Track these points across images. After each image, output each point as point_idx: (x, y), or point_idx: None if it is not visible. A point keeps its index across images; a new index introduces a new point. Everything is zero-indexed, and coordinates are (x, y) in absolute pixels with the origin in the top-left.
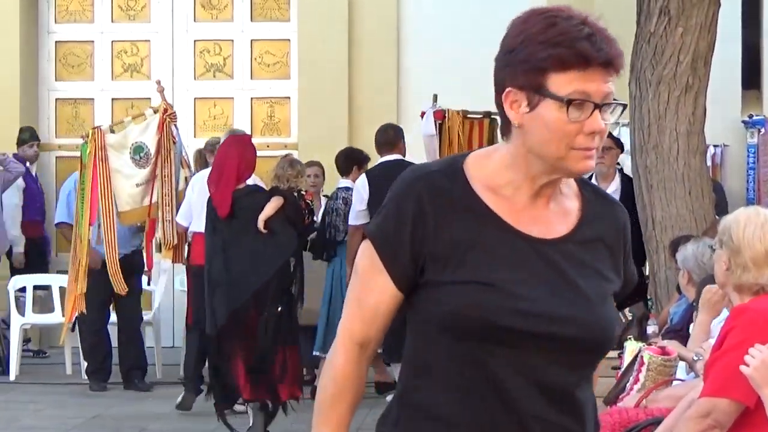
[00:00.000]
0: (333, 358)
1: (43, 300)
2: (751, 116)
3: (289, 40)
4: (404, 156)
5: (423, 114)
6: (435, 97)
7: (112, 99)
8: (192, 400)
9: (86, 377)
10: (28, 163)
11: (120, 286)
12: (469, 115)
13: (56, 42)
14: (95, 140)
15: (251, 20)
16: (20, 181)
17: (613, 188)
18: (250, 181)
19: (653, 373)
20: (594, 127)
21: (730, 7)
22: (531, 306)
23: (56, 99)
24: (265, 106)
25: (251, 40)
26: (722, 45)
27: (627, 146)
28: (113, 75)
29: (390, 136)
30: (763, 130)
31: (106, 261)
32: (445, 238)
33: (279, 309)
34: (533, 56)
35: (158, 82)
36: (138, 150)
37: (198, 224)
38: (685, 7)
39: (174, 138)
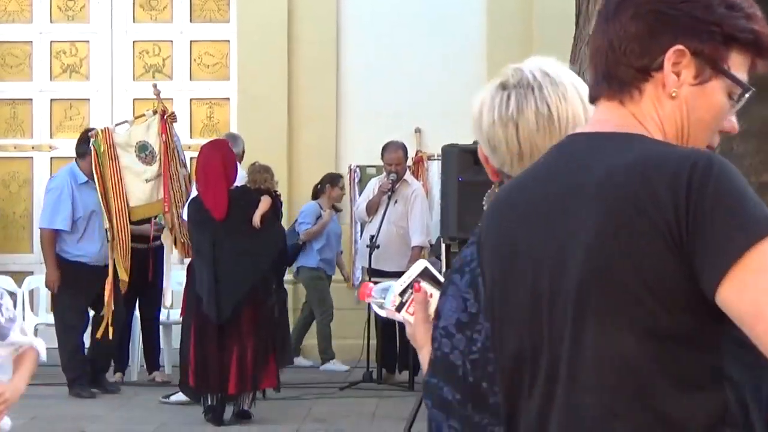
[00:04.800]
0: None
1: None
2: None
3: (228, 41)
4: None
5: None
6: None
7: (51, 99)
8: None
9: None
10: None
11: (124, 284)
12: None
13: None
14: (106, 139)
15: (191, 21)
16: None
17: None
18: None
19: None
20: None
21: None
22: None
23: None
24: (204, 107)
25: (190, 41)
26: None
27: None
28: (52, 75)
29: None
30: None
31: (116, 258)
32: None
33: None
34: (732, 22)
35: (155, 86)
36: (143, 148)
37: None
38: None
39: (174, 138)
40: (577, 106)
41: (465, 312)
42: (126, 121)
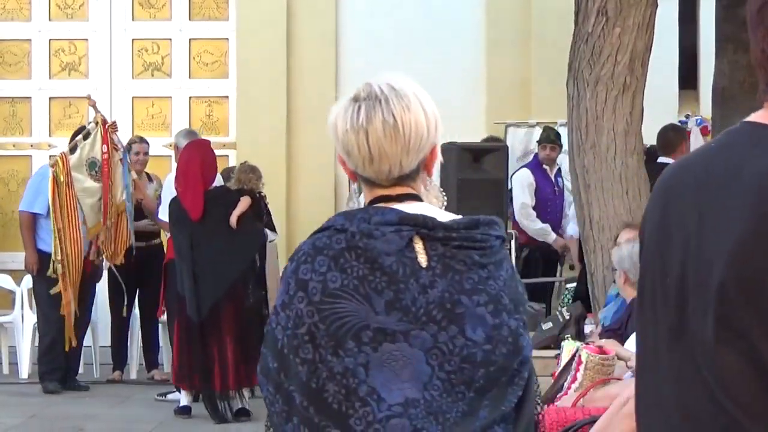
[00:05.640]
0: None
1: None
2: (687, 116)
3: (227, 39)
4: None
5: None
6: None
7: (50, 98)
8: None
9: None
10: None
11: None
12: None
13: None
14: (64, 165)
15: (189, 19)
16: (531, 180)
17: None
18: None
19: (591, 372)
20: None
21: (666, 7)
22: None
23: None
24: (203, 105)
25: (189, 39)
26: (659, 45)
27: (565, 146)
28: (51, 74)
29: (667, 139)
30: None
31: (62, 282)
32: None
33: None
34: None
35: (89, 97)
36: (92, 165)
37: None
38: (622, 8)
39: (117, 146)
40: (419, 115)
41: (287, 294)
42: (75, 141)
